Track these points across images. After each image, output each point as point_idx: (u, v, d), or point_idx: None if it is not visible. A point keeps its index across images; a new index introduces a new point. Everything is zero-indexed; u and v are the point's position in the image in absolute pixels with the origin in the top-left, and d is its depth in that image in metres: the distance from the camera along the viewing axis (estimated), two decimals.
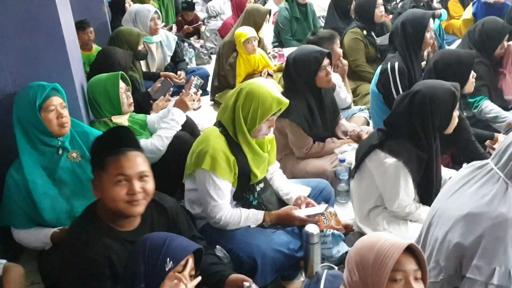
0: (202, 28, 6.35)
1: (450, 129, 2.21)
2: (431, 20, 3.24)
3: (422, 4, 5.29)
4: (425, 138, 2.15)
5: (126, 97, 2.67)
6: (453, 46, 4.53)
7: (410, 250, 1.28)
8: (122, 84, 2.66)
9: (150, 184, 1.61)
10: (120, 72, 2.71)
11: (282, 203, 2.35)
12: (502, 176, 1.51)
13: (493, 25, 3.25)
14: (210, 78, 4.59)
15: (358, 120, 3.38)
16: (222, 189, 2.08)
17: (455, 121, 2.20)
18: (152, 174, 1.64)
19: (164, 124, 2.67)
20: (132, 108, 2.75)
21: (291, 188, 2.37)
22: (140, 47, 3.82)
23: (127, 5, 5.14)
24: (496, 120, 3.12)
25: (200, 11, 7.06)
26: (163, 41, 4.44)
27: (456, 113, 2.19)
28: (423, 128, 2.14)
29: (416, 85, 2.25)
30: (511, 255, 1.45)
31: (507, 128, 3.07)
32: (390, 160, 2.16)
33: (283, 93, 2.19)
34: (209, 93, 4.56)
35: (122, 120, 2.67)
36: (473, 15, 5.07)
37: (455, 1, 5.87)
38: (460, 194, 1.61)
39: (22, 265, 1.98)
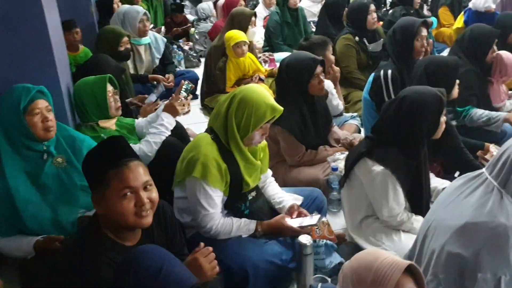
0: (192, 31, 6.30)
1: (438, 135, 2.21)
2: (422, 28, 3.23)
3: (412, 11, 5.31)
4: (413, 144, 2.14)
5: (113, 100, 2.60)
6: (444, 54, 4.55)
7: (407, 269, 1.25)
8: (109, 88, 2.59)
9: (155, 193, 1.57)
10: (108, 75, 2.63)
11: (274, 212, 2.30)
12: (496, 185, 1.51)
13: (481, 31, 3.25)
14: (200, 82, 4.53)
15: (349, 127, 3.36)
16: (213, 198, 2.03)
17: (442, 126, 2.20)
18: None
19: (153, 129, 2.60)
20: (120, 112, 2.68)
21: (284, 197, 2.32)
22: (122, 48, 3.71)
23: (115, 5, 5.05)
24: (490, 121, 3.08)
25: (189, 14, 7.01)
26: (151, 43, 4.37)
27: (443, 118, 2.19)
28: (411, 134, 2.12)
29: (403, 91, 2.24)
30: None
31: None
32: (378, 168, 2.15)
33: (275, 100, 2.14)
34: (198, 97, 4.49)
35: (109, 124, 2.60)
36: (465, 23, 5.10)
37: (445, 9, 5.91)
38: (456, 205, 1.59)
39: (2, 275, 1.90)
